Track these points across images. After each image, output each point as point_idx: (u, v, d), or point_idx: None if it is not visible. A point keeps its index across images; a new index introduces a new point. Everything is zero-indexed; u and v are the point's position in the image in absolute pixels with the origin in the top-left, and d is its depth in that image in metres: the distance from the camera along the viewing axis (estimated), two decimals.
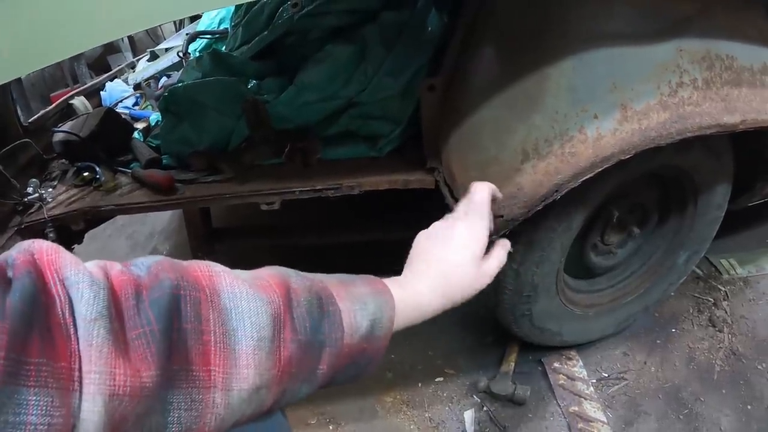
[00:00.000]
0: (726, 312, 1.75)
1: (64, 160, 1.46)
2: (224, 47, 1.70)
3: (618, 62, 0.97)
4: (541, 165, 0.96)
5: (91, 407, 0.33)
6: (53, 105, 1.82)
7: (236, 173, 1.27)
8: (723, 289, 1.84)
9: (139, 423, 0.37)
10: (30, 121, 1.58)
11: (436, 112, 1.18)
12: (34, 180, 1.33)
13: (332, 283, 0.54)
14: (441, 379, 1.50)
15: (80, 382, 0.33)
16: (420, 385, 1.49)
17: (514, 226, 1.01)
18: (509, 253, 1.02)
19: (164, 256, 0.44)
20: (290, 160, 1.30)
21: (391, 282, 0.60)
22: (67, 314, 0.34)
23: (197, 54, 1.81)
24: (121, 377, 0.35)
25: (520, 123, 1.00)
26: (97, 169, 1.35)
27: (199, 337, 0.40)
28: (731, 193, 1.42)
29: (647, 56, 0.98)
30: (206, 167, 1.31)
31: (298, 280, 0.50)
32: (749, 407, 1.46)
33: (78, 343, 0.34)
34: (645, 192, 1.33)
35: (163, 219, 2.35)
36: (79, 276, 0.36)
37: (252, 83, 1.42)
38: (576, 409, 1.35)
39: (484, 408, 1.39)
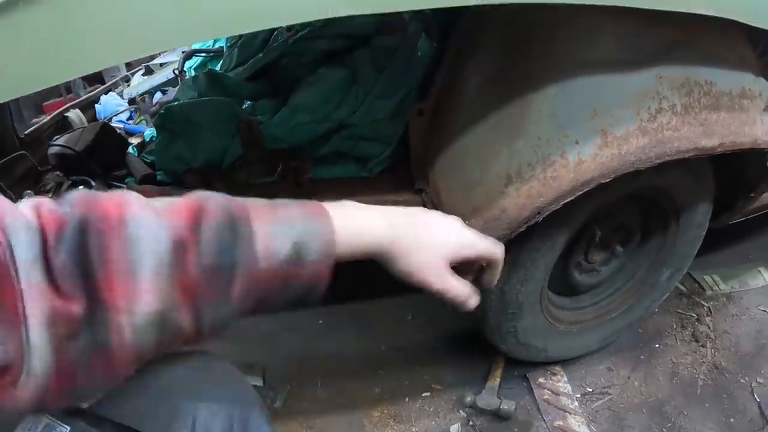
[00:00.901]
0: (709, 327, 1.79)
1: (58, 173, 1.47)
2: (219, 66, 1.75)
3: (599, 89, 1.01)
4: (524, 188, 1.00)
5: (37, 338, 0.40)
6: (49, 117, 1.83)
7: (230, 191, 1.28)
8: (706, 304, 1.88)
9: (74, 343, 0.42)
10: (26, 133, 1.59)
11: (424, 135, 1.22)
12: (28, 191, 1.33)
13: (257, 205, 0.54)
14: (428, 394, 1.52)
15: (25, 317, 0.39)
16: (407, 399, 1.51)
17: None
18: None
19: (85, 189, 0.48)
20: (283, 179, 1.34)
21: (338, 206, 0.58)
22: (8, 258, 0.40)
23: (192, 72, 1.84)
24: (58, 310, 0.41)
25: (504, 147, 1.04)
26: (92, 183, 1.36)
27: (103, 266, 0.43)
28: (713, 212, 1.46)
29: (628, 83, 1.02)
30: (200, 185, 1.32)
31: (217, 203, 0.51)
32: (732, 420, 1.49)
33: (20, 284, 0.40)
34: (627, 212, 1.37)
35: None
36: (16, 223, 0.42)
37: (247, 104, 1.45)
38: (561, 423, 1.38)
39: (470, 422, 1.41)
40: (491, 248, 0.67)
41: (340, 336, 1.72)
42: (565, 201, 0.99)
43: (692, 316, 1.82)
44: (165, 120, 1.40)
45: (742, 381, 1.61)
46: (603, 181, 0.99)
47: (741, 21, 0.99)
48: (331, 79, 1.33)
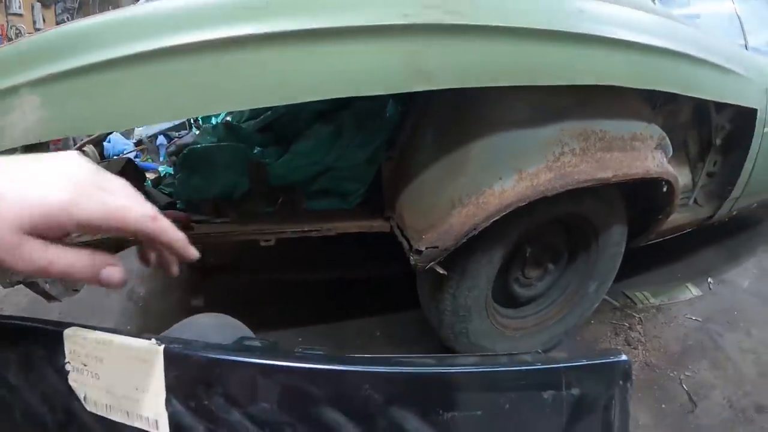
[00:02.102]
0: (640, 333, 2.06)
1: None
2: (230, 118, 2.06)
3: (515, 140, 1.35)
4: (464, 211, 1.32)
5: None
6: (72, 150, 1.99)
7: (239, 217, 1.54)
8: (637, 315, 2.16)
9: None
10: None
11: (392, 175, 1.52)
12: None
13: None
14: None
15: None
16: None
17: (447, 254, 1.35)
18: (444, 278, 1.36)
19: None
20: (281, 209, 1.60)
21: None
22: None
23: (211, 122, 2.13)
24: None
25: (450, 183, 1.36)
26: None
27: None
28: (633, 233, 1.79)
29: (537, 135, 1.37)
30: (214, 212, 1.56)
31: None
32: (663, 406, 1.73)
33: None
34: (554, 234, 1.69)
35: (138, 263, 2.43)
36: None
37: (256, 149, 1.70)
38: None
39: None
40: (121, 217, 0.42)
41: None
42: (493, 219, 1.30)
43: (625, 325, 2.10)
44: (188, 159, 1.63)
45: (671, 375, 1.86)
46: (520, 205, 1.31)
47: (620, 85, 1.33)
48: (322, 133, 1.59)
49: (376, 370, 0.51)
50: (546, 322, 1.82)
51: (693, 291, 2.45)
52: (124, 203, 0.43)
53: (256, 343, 0.60)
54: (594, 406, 0.55)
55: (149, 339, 0.50)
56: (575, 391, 0.53)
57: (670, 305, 2.30)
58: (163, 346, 0.49)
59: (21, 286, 1.28)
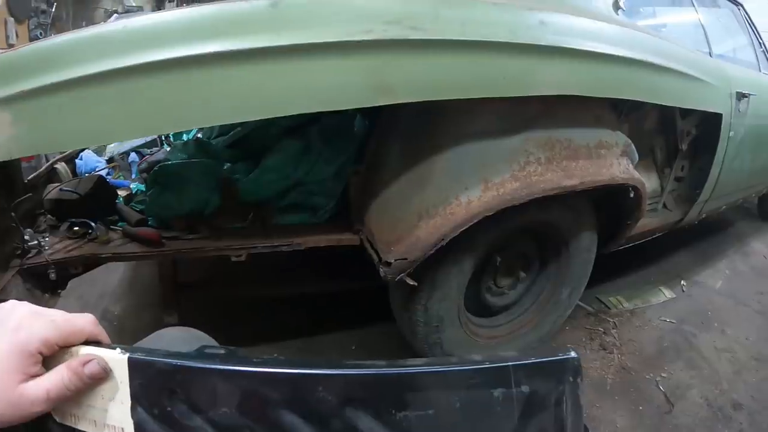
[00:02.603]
0: (615, 337, 2.08)
1: (50, 217, 1.60)
2: (200, 135, 2.06)
3: (481, 151, 1.37)
4: (431, 222, 1.33)
5: None
6: (44, 168, 1.95)
7: (211, 233, 1.53)
8: (612, 320, 2.18)
9: None
10: (29, 178, 1.72)
11: (360, 189, 1.53)
12: (29, 230, 1.43)
13: None
14: None
15: None
16: None
17: (416, 266, 1.35)
18: (415, 290, 1.36)
19: None
20: (252, 225, 1.60)
21: None
22: None
23: (182, 139, 2.12)
24: None
25: (416, 195, 1.37)
26: (93, 224, 1.52)
27: None
28: (604, 239, 1.81)
29: (502, 146, 1.39)
30: (185, 228, 1.55)
31: None
32: (641, 408, 1.74)
33: None
34: (524, 243, 1.71)
35: (113, 281, 2.38)
36: None
37: (226, 166, 1.71)
38: None
39: None
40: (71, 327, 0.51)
41: None
42: (461, 229, 1.32)
43: (599, 330, 2.12)
44: (159, 175, 1.63)
45: (647, 377, 1.89)
46: (487, 214, 1.32)
47: (583, 95, 1.37)
48: (291, 149, 1.60)
49: (329, 372, 0.53)
50: (520, 330, 1.83)
51: (666, 294, 2.48)
52: (67, 317, 0.51)
53: (217, 351, 0.62)
54: (545, 402, 0.56)
55: (114, 348, 0.51)
56: (525, 389, 0.55)
57: (644, 308, 2.34)
58: (127, 355, 0.50)
59: None
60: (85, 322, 0.52)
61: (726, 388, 1.89)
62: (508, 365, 0.55)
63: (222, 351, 0.61)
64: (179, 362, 0.51)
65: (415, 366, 0.57)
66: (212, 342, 0.81)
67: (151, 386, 0.51)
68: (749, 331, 2.28)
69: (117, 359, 0.50)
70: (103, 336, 0.53)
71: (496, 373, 0.55)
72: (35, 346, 0.48)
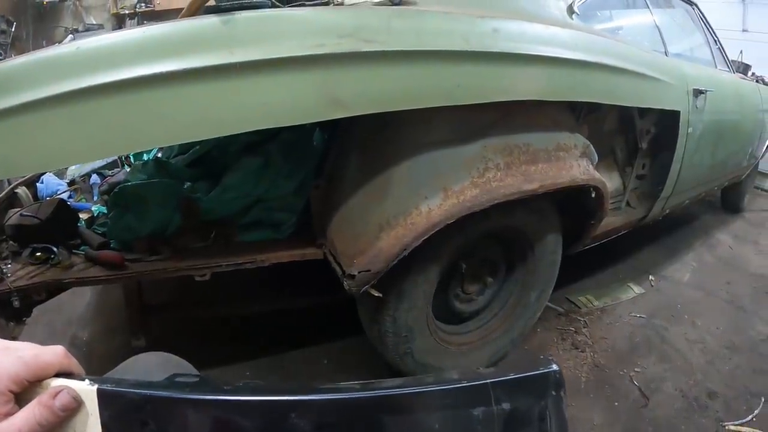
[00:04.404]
0: (587, 336, 2.11)
1: (12, 243, 1.56)
2: (160, 154, 2.03)
3: (439, 159, 1.37)
4: (392, 233, 1.33)
5: None
6: (4, 193, 1.90)
7: (173, 254, 1.51)
8: (582, 319, 2.21)
9: None
10: None
11: (321, 203, 1.52)
12: None
13: None
14: None
15: None
16: None
17: (379, 278, 1.35)
18: (382, 301, 1.36)
19: None
20: (215, 243, 1.57)
21: None
22: None
23: (143, 158, 2.09)
24: None
25: (377, 207, 1.37)
26: (55, 249, 1.49)
27: None
28: (569, 239, 1.83)
29: (460, 153, 1.39)
30: (147, 250, 1.52)
31: None
32: (616, 404, 1.76)
33: None
34: (489, 248, 1.71)
35: (80, 307, 2.35)
36: None
37: (187, 185, 1.67)
38: None
39: None
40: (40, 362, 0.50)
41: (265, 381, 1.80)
42: (423, 238, 1.32)
43: (571, 330, 2.14)
44: (118, 197, 1.60)
45: (620, 373, 1.91)
46: (449, 222, 1.32)
47: (539, 99, 1.38)
48: (251, 165, 1.58)
49: (302, 398, 0.52)
50: (491, 335, 1.83)
51: (636, 290, 2.52)
52: (35, 352, 0.51)
53: (188, 379, 0.60)
54: (528, 418, 0.55)
55: (83, 380, 0.51)
56: (506, 406, 0.54)
57: (614, 306, 2.37)
58: (96, 386, 0.49)
59: None
60: (54, 354, 0.51)
61: (700, 379, 1.93)
62: (486, 383, 0.54)
63: (193, 379, 0.60)
64: (149, 392, 0.50)
65: (390, 388, 0.56)
66: (188, 367, 0.81)
67: (122, 418, 0.50)
68: (719, 321, 2.34)
69: (86, 390, 0.49)
70: (75, 367, 0.53)
71: (475, 392, 0.54)
72: (5, 385, 0.47)
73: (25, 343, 0.52)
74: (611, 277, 2.63)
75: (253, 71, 1.03)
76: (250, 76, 1.03)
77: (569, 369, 1.93)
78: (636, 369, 1.95)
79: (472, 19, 1.31)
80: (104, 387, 0.50)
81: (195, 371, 0.81)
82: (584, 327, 2.17)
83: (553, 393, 0.57)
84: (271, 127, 1.10)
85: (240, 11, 1.05)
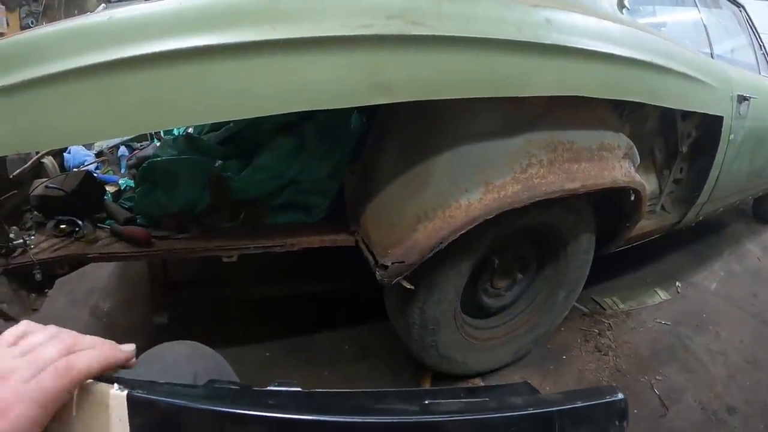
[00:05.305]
0: (610, 339, 2.08)
1: (38, 213, 1.55)
2: (191, 129, 2.00)
3: (482, 152, 1.33)
4: (430, 225, 1.30)
5: None
6: (29, 163, 1.86)
7: (201, 233, 1.49)
8: (607, 321, 2.18)
9: None
10: (15, 174, 1.66)
11: (356, 189, 1.49)
12: (14, 227, 1.38)
13: None
14: None
15: None
16: None
17: (413, 269, 1.32)
18: (412, 293, 1.33)
19: None
20: (244, 223, 1.55)
21: None
22: None
23: (173, 134, 2.05)
24: None
25: (415, 197, 1.33)
26: (80, 223, 1.48)
27: None
28: (602, 240, 1.79)
29: (503, 147, 1.35)
30: (175, 227, 1.51)
31: None
32: (635, 411, 1.73)
33: None
34: (522, 244, 1.68)
35: (102, 277, 2.36)
36: None
37: (218, 163, 1.64)
38: None
39: None
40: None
41: (286, 364, 1.82)
42: (461, 233, 1.29)
43: (594, 332, 2.12)
44: (148, 172, 1.58)
45: (642, 380, 1.88)
46: (487, 218, 1.29)
47: (587, 96, 1.33)
48: (285, 146, 1.54)
49: (354, 420, 0.48)
50: (516, 332, 1.81)
51: (662, 295, 2.47)
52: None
53: (227, 386, 0.57)
54: None
55: (112, 384, 0.47)
56: None
57: (639, 310, 2.33)
58: (126, 392, 0.46)
59: None
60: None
61: (720, 392, 1.89)
62: (552, 411, 0.51)
63: (233, 386, 0.56)
64: (185, 402, 0.47)
65: (452, 413, 0.52)
66: (222, 361, 0.79)
67: (154, 427, 0.47)
68: (743, 333, 2.29)
69: (116, 396, 0.46)
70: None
71: (539, 420, 0.51)
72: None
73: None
74: (638, 280, 2.59)
75: (295, 49, 0.99)
76: (293, 55, 0.99)
77: (591, 372, 1.91)
78: (657, 377, 1.92)
79: (525, 8, 1.25)
80: (135, 393, 0.46)
81: (226, 364, 0.79)
82: (608, 330, 2.14)
83: (617, 423, 0.54)
84: (311, 109, 1.06)
85: None
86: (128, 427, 0.46)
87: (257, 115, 1.02)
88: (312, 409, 0.48)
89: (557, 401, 0.53)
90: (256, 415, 0.47)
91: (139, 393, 0.47)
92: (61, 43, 0.91)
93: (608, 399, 0.54)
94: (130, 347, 0.52)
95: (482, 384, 1.77)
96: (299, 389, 0.51)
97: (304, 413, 0.47)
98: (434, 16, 1.10)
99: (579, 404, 0.53)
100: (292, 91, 1.01)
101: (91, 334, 0.53)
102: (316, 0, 1.03)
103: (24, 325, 0.50)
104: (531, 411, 0.51)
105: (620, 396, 0.54)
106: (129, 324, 2.04)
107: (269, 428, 0.47)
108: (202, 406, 0.47)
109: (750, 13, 2.77)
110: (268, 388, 0.52)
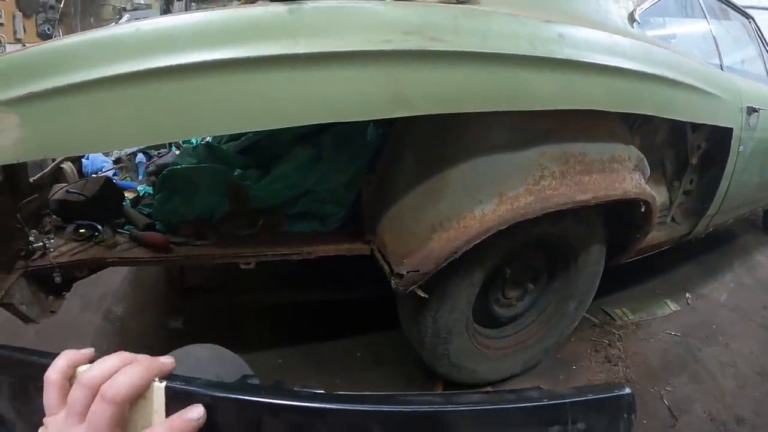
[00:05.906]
0: (620, 350, 2.08)
1: (56, 217, 1.57)
2: (210, 139, 2.03)
3: (496, 164, 1.36)
4: (444, 235, 1.32)
5: None
6: (49, 168, 1.89)
7: (219, 239, 1.52)
8: (617, 332, 2.18)
9: None
10: (35, 178, 1.67)
11: (372, 199, 1.52)
12: (34, 230, 1.39)
13: None
14: None
15: None
16: None
17: (427, 278, 1.34)
18: (425, 301, 1.35)
19: None
20: (261, 231, 1.58)
21: None
22: None
23: (192, 142, 2.10)
24: None
25: (431, 207, 1.36)
26: (99, 227, 1.50)
27: None
28: (612, 252, 1.80)
29: (517, 159, 1.38)
30: (193, 234, 1.53)
31: None
32: (645, 421, 1.74)
33: None
34: (534, 255, 1.70)
35: (115, 281, 2.38)
36: None
37: (237, 171, 1.66)
38: None
39: None
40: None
41: (299, 371, 1.83)
42: (475, 242, 1.31)
43: (605, 342, 2.12)
44: (167, 179, 1.60)
45: (651, 390, 1.88)
46: (501, 228, 1.32)
47: (599, 109, 1.36)
48: (302, 156, 1.57)
49: (382, 409, 0.51)
50: (527, 341, 1.82)
51: (672, 306, 2.48)
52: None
53: (259, 382, 0.60)
54: None
55: None
56: (581, 426, 0.55)
57: (649, 321, 2.33)
58: (164, 383, 0.48)
59: None
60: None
61: (729, 403, 1.89)
62: (565, 402, 0.55)
63: (265, 383, 0.59)
64: (222, 394, 0.49)
65: (472, 403, 0.55)
66: (245, 365, 0.81)
67: None
68: (753, 345, 2.28)
69: (153, 387, 0.48)
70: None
71: (553, 411, 0.55)
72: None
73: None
74: (648, 291, 2.59)
75: (316, 63, 1.02)
76: (314, 69, 1.02)
77: (601, 382, 1.91)
78: (667, 387, 1.93)
79: (538, 23, 1.29)
80: (173, 385, 0.49)
81: (248, 367, 0.81)
82: (618, 340, 2.15)
83: (625, 415, 0.57)
84: (332, 121, 1.09)
85: (306, 1, 1.03)
86: (164, 416, 0.48)
87: (279, 127, 1.05)
88: (342, 400, 0.51)
89: (569, 394, 0.56)
90: (291, 404, 0.50)
91: (176, 385, 0.49)
92: (90, 53, 0.94)
93: (617, 393, 0.57)
94: (170, 359, 0.53)
95: None
96: (323, 392, 0.54)
97: (334, 403, 0.50)
98: (451, 32, 1.13)
99: (590, 396, 0.56)
100: (313, 103, 1.04)
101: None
102: (337, 16, 1.06)
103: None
104: (546, 402, 0.55)
105: (628, 391, 0.57)
106: (141, 329, 2.07)
107: (303, 416, 0.50)
108: (238, 396, 0.50)
109: (759, 24, 2.79)
110: (294, 388, 0.55)
